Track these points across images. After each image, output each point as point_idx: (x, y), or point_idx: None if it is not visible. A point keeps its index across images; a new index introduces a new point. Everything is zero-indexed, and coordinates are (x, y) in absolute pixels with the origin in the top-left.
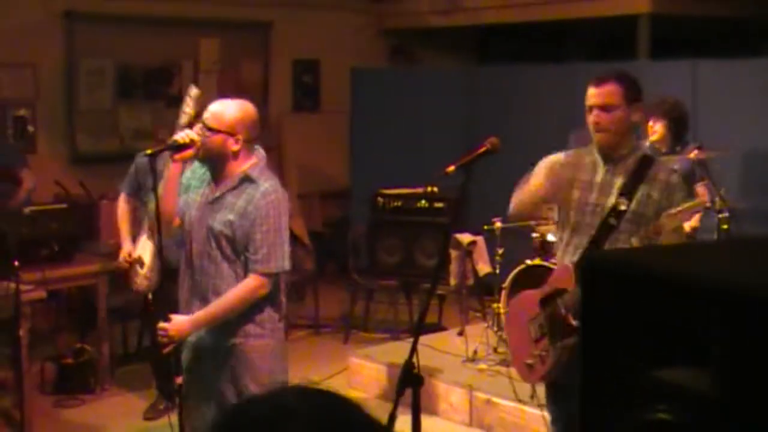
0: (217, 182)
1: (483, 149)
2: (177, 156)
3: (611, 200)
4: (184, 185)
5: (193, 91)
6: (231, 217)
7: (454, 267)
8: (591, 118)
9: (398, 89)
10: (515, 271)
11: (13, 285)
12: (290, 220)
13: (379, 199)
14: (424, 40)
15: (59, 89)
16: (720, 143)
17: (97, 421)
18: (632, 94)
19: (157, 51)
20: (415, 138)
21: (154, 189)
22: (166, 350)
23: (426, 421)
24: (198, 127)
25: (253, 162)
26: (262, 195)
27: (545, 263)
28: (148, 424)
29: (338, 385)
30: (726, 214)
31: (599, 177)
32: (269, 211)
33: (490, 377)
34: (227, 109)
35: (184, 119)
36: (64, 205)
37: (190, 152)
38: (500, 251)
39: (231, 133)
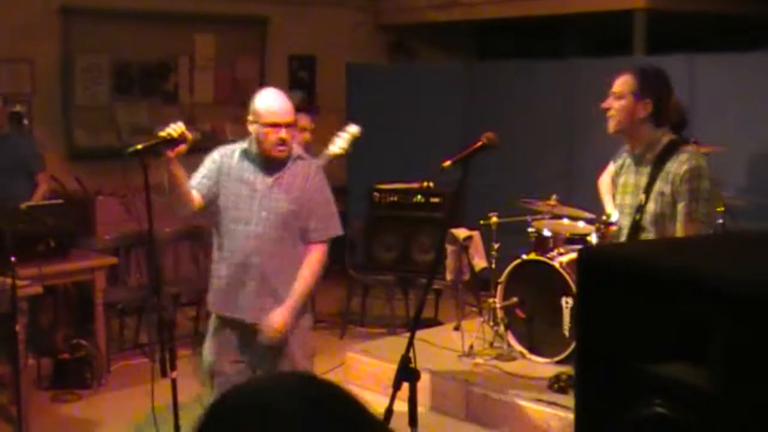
0: (275, 168)
1: (479, 144)
2: (171, 152)
3: (639, 199)
4: (223, 171)
5: (354, 129)
6: (296, 193)
7: (450, 262)
8: (604, 104)
9: (394, 85)
10: (511, 265)
11: (9, 280)
12: None
13: (376, 194)
14: (422, 35)
15: (56, 85)
16: (717, 139)
17: (94, 416)
18: (643, 89)
19: (153, 47)
20: (411, 134)
21: (146, 185)
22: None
23: (422, 415)
24: (284, 131)
25: (294, 142)
26: (315, 171)
27: (541, 258)
28: (145, 419)
29: (335, 380)
30: (721, 209)
31: (632, 178)
32: (324, 184)
33: (486, 372)
34: (287, 100)
35: (334, 152)
36: (60, 201)
37: (183, 147)
38: (496, 246)
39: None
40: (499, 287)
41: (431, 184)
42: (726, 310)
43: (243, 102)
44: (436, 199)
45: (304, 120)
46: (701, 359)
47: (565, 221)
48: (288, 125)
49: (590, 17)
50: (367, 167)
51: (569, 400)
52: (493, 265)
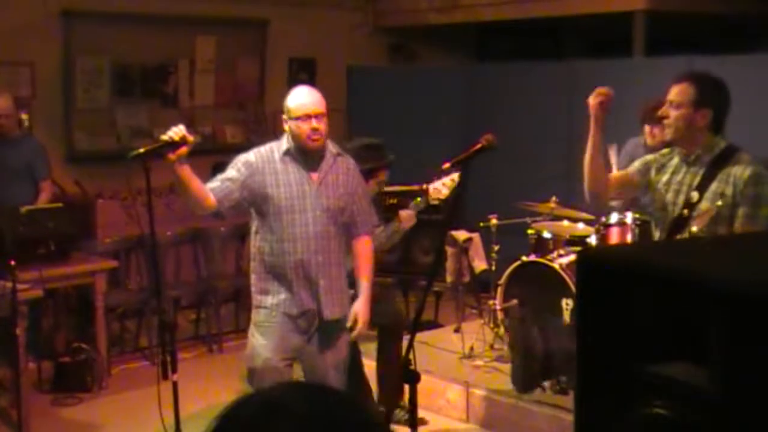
0: (315, 164)
1: (479, 146)
2: (172, 155)
3: (688, 196)
4: (247, 174)
5: (457, 177)
6: (341, 190)
7: (450, 264)
8: (662, 111)
9: (394, 87)
10: (511, 267)
11: (9, 284)
12: None
13: (375, 196)
14: (421, 37)
15: (56, 88)
16: None
17: (95, 420)
18: (702, 99)
19: (153, 49)
20: (411, 136)
21: (148, 189)
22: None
23: (422, 417)
24: (314, 120)
25: (328, 140)
26: (354, 166)
27: (541, 260)
28: (145, 423)
29: None
30: None
31: (680, 177)
32: (361, 179)
33: (486, 374)
34: (317, 93)
35: (435, 196)
36: (60, 204)
37: (185, 149)
38: (496, 248)
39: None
40: (500, 289)
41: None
42: (725, 310)
43: (243, 104)
44: (436, 201)
45: (384, 175)
46: (700, 359)
47: (565, 223)
48: (318, 116)
49: (589, 19)
50: None
51: (569, 401)
52: (493, 267)
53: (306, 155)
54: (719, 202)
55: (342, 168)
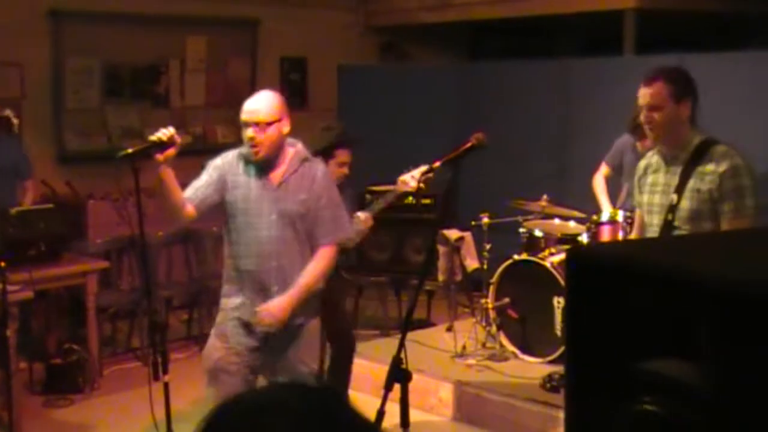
0: (273, 170)
1: (469, 145)
2: (160, 156)
3: (670, 198)
4: (216, 177)
5: (425, 168)
6: (302, 196)
7: (442, 263)
8: (642, 118)
9: (386, 86)
10: (503, 266)
11: (0, 285)
12: None
13: (368, 195)
14: (413, 36)
15: (46, 88)
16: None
17: (87, 421)
18: (680, 91)
19: (144, 49)
20: (403, 135)
21: (137, 189)
22: (268, 330)
23: (415, 416)
24: (252, 129)
25: (299, 145)
26: (322, 173)
27: (533, 258)
28: (137, 424)
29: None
30: None
31: (662, 177)
32: (331, 186)
33: (478, 372)
34: (270, 99)
35: (403, 189)
36: (51, 205)
37: (172, 151)
38: (488, 247)
39: (281, 118)
40: (492, 288)
41: (423, 186)
42: (716, 307)
43: (234, 104)
44: (428, 201)
45: (344, 155)
46: (692, 356)
47: (557, 221)
48: (259, 125)
49: (581, 17)
50: (358, 168)
51: (561, 399)
52: (485, 266)
53: (270, 159)
54: (697, 200)
55: (307, 173)
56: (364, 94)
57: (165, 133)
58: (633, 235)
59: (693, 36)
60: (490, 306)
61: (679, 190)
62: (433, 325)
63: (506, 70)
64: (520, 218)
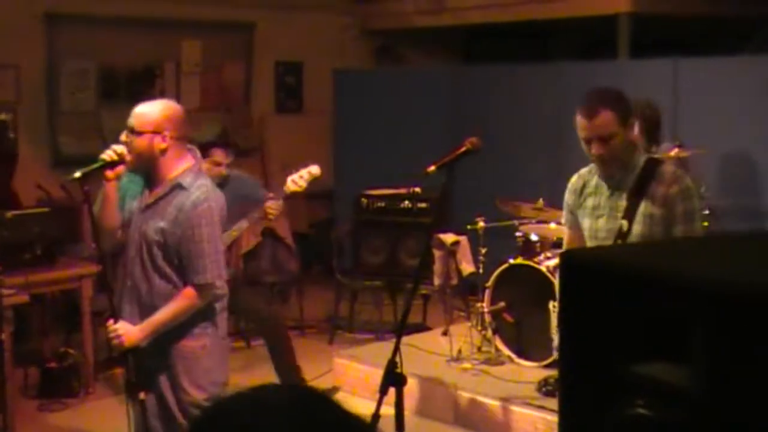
0: (151, 188)
1: (463, 149)
2: (110, 173)
3: (618, 224)
4: (121, 194)
5: (316, 170)
6: (162, 224)
7: (437, 267)
8: (592, 150)
9: (381, 90)
10: (499, 270)
11: None
12: (274, 222)
13: (363, 199)
14: (408, 40)
15: (41, 91)
16: (700, 141)
17: (82, 425)
18: (624, 114)
19: (139, 52)
20: (398, 138)
21: (89, 211)
22: (116, 353)
23: (410, 420)
24: (124, 134)
25: (186, 166)
26: (192, 205)
27: (528, 262)
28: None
29: (324, 386)
30: (706, 212)
31: (604, 201)
32: (201, 221)
33: (474, 376)
34: (151, 109)
35: (292, 188)
36: (46, 209)
37: (121, 168)
38: (483, 251)
39: (157, 131)
40: (487, 292)
41: (418, 190)
42: (706, 309)
43: (229, 108)
44: (423, 204)
45: (219, 154)
46: (683, 359)
47: (552, 225)
48: (132, 132)
49: (575, 21)
50: (354, 172)
51: (556, 403)
52: (481, 270)
53: (144, 174)
54: (649, 225)
55: (176, 201)
56: (359, 98)
57: (115, 149)
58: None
59: (687, 40)
60: (485, 310)
61: (629, 215)
62: (428, 329)
63: (501, 74)
64: (515, 222)
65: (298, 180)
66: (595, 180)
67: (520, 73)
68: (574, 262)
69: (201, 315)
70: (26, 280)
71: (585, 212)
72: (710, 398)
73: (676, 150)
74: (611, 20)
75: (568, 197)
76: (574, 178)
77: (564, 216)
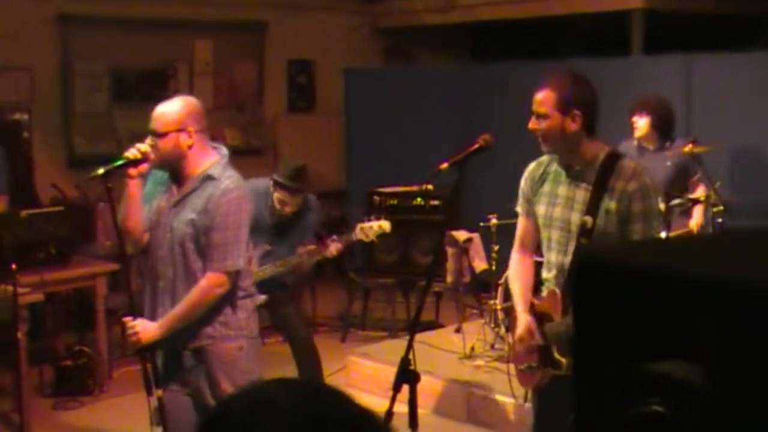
0: (179, 185)
1: (476, 146)
2: (133, 171)
3: (575, 216)
4: (147, 194)
5: (386, 225)
6: (192, 215)
7: (450, 264)
8: (530, 124)
9: (392, 88)
10: None
11: (10, 288)
12: None
13: (375, 197)
14: (418, 38)
15: (55, 92)
16: (713, 137)
17: (96, 423)
18: (567, 102)
19: (151, 53)
20: (409, 136)
21: (112, 209)
22: (134, 351)
23: (423, 417)
24: (148, 140)
25: (214, 160)
26: (222, 193)
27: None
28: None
29: (337, 383)
30: (720, 208)
31: (562, 190)
32: (229, 209)
33: (487, 374)
34: (171, 108)
35: (359, 236)
36: (60, 208)
37: (145, 166)
38: (496, 248)
39: (181, 129)
40: (500, 289)
41: (430, 187)
42: (718, 307)
43: (242, 107)
44: (435, 202)
45: (282, 194)
46: (695, 357)
47: None
48: (155, 135)
49: (587, 18)
50: (366, 170)
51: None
52: (494, 267)
53: (172, 174)
54: (606, 220)
55: (206, 193)
56: (370, 96)
57: (139, 148)
58: (517, 242)
59: (700, 36)
60: (498, 307)
61: (592, 210)
62: (441, 326)
63: (511, 72)
64: None
65: (367, 230)
66: (554, 167)
67: (530, 70)
68: (587, 259)
69: (225, 311)
70: (41, 278)
71: (541, 198)
72: (722, 396)
73: (690, 146)
74: (622, 17)
75: (524, 185)
76: (532, 165)
77: (519, 204)
